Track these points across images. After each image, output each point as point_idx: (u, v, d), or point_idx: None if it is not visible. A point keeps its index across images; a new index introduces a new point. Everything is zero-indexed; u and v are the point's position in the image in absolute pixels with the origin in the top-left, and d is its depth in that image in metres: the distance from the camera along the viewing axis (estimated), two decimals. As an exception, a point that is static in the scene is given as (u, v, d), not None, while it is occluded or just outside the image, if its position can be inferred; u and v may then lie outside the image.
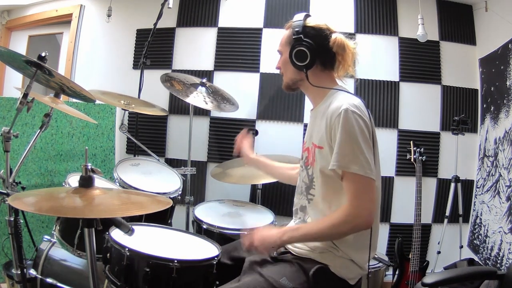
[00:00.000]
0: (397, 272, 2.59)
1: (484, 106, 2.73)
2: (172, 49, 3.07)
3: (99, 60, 3.22)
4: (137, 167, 2.29)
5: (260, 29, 2.96)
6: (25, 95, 1.62)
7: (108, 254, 1.37)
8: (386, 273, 2.52)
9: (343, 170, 1.28)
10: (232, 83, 2.93)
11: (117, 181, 2.08)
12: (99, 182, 1.98)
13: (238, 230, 1.97)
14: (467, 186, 2.79)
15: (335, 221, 1.29)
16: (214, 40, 3.01)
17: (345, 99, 1.34)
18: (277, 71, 1.55)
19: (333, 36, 1.41)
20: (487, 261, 2.45)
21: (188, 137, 2.65)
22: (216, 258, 1.37)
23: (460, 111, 2.81)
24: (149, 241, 1.49)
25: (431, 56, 2.85)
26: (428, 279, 1.42)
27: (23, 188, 1.93)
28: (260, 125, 2.93)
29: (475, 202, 2.77)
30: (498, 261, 2.32)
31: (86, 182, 1.23)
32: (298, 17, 1.44)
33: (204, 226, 2.00)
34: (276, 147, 2.79)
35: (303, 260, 1.34)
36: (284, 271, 1.30)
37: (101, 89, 2.43)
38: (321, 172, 1.37)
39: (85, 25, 3.28)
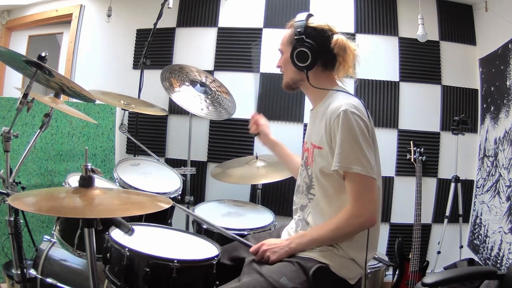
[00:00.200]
0: (397, 272, 2.59)
1: (484, 106, 2.73)
2: (172, 49, 3.07)
3: (99, 60, 3.22)
4: (137, 167, 2.29)
5: (260, 29, 2.96)
6: (25, 95, 1.62)
7: (108, 254, 1.37)
8: (386, 273, 2.52)
9: (345, 171, 1.29)
10: (232, 83, 2.93)
11: (117, 181, 2.08)
12: (99, 182, 1.98)
13: (238, 230, 1.97)
14: (467, 186, 2.79)
15: (339, 223, 1.31)
16: (214, 40, 3.01)
17: (344, 99, 1.34)
18: (277, 72, 1.56)
19: (335, 37, 1.41)
20: (487, 261, 2.45)
21: (188, 137, 2.65)
22: (216, 258, 1.37)
23: (460, 111, 2.81)
24: (149, 241, 1.49)
25: (431, 56, 2.85)
26: (428, 279, 1.42)
27: (23, 188, 1.93)
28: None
29: (475, 202, 2.77)
30: (498, 261, 2.32)
31: (86, 182, 1.23)
32: (301, 16, 1.44)
33: (204, 226, 2.00)
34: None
35: (303, 259, 1.34)
36: (284, 271, 1.30)
37: (101, 89, 2.43)
38: (320, 172, 1.37)
39: (85, 25, 3.28)
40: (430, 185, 2.83)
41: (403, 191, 2.84)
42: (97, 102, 2.38)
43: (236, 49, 2.99)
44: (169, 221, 2.14)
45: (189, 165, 2.64)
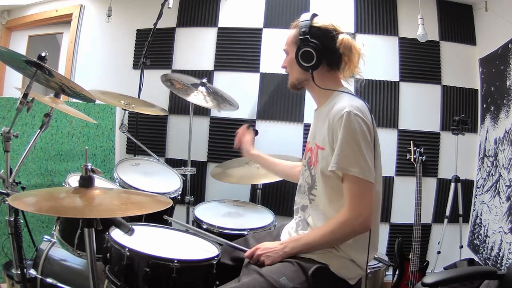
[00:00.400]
0: (397, 272, 2.59)
1: (484, 106, 2.73)
2: (172, 49, 3.07)
3: (99, 60, 3.22)
4: (137, 167, 2.29)
5: (260, 29, 2.96)
6: (25, 95, 1.62)
7: (108, 254, 1.37)
8: (386, 273, 2.52)
9: (343, 172, 1.28)
10: (232, 83, 2.93)
11: (117, 181, 2.08)
12: (99, 182, 1.98)
13: (238, 230, 1.97)
14: (467, 186, 2.79)
15: (334, 227, 1.30)
16: (214, 40, 3.01)
17: (348, 101, 1.34)
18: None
19: (340, 37, 1.41)
20: (487, 261, 2.45)
21: (188, 137, 2.65)
22: (216, 258, 1.37)
23: (460, 111, 2.81)
24: (149, 241, 1.49)
25: (431, 56, 2.85)
26: (428, 279, 1.42)
27: (23, 188, 1.93)
28: (260, 125, 2.93)
29: (475, 202, 2.77)
30: (498, 261, 2.32)
31: (86, 182, 1.23)
32: (305, 16, 1.44)
33: (204, 226, 2.00)
34: (276, 147, 2.78)
35: (303, 259, 1.34)
36: (284, 271, 1.30)
37: (101, 89, 2.43)
38: (322, 173, 1.37)
39: (85, 25, 3.28)
40: (430, 185, 2.83)
41: (403, 191, 2.83)
42: (97, 102, 2.38)
43: (236, 49, 2.98)
44: (169, 221, 2.14)
45: (189, 165, 2.64)
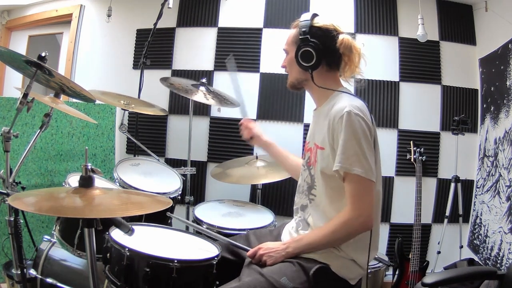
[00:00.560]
0: (397, 272, 2.59)
1: (484, 106, 2.73)
2: (172, 49, 3.07)
3: (99, 60, 3.22)
4: (137, 167, 2.29)
5: (260, 29, 2.96)
6: (25, 95, 1.62)
7: (108, 254, 1.37)
8: (386, 273, 2.52)
9: (345, 172, 1.29)
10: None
11: (117, 181, 2.08)
12: (99, 182, 1.98)
13: (238, 230, 1.97)
14: (467, 186, 2.79)
15: (336, 227, 1.31)
16: (214, 40, 3.01)
17: (348, 101, 1.34)
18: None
19: (340, 37, 1.41)
20: (487, 261, 2.45)
21: (188, 137, 2.65)
22: (216, 258, 1.37)
23: (460, 111, 2.81)
24: (149, 241, 1.49)
25: (431, 56, 2.85)
26: (428, 279, 1.42)
27: (23, 188, 1.93)
28: (260, 125, 2.91)
29: (475, 202, 2.77)
30: (498, 261, 2.32)
31: (86, 182, 1.23)
32: (306, 16, 1.44)
33: (204, 226, 2.00)
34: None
35: (304, 259, 1.34)
36: (285, 271, 1.30)
37: (101, 89, 2.43)
38: (322, 172, 1.37)
39: (85, 25, 3.28)
40: (430, 185, 2.83)
41: (403, 191, 2.83)
42: (97, 102, 2.38)
43: (236, 49, 2.98)
44: (169, 221, 2.14)
45: (189, 165, 2.64)
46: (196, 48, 3.04)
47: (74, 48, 3.25)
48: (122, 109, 2.47)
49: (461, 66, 2.86)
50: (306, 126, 2.86)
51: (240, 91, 1.97)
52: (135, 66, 3.10)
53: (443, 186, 2.83)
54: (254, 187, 2.87)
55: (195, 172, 2.68)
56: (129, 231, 1.24)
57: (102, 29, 3.22)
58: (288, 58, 1.50)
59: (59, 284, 1.80)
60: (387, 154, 2.81)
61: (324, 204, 1.38)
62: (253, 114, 2.92)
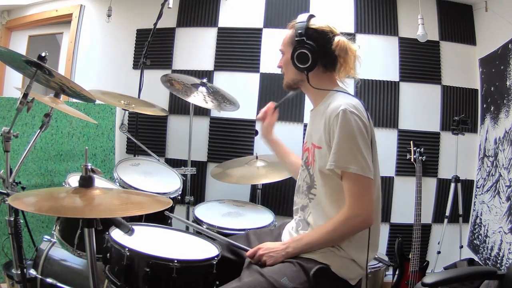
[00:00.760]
0: (397, 272, 2.59)
1: (484, 106, 2.73)
2: (172, 49, 3.07)
3: (99, 60, 3.22)
4: (137, 167, 2.29)
5: (260, 29, 2.96)
6: (25, 95, 1.62)
7: (108, 254, 1.37)
8: (386, 273, 2.52)
9: (342, 170, 1.29)
10: (232, 83, 2.93)
11: (117, 181, 2.08)
12: (99, 182, 1.98)
13: (238, 230, 1.97)
14: (467, 186, 2.79)
15: (335, 225, 1.31)
16: (214, 40, 3.01)
17: (344, 99, 1.34)
18: (277, 72, 1.56)
19: (336, 39, 1.41)
20: (487, 261, 2.45)
21: (188, 137, 2.65)
22: (216, 258, 1.37)
23: (460, 111, 2.81)
24: (149, 241, 1.49)
25: (431, 56, 2.85)
26: (428, 279, 1.42)
27: (23, 188, 1.93)
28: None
29: (475, 202, 2.77)
30: (498, 261, 2.32)
31: (86, 182, 1.23)
32: (302, 18, 1.44)
33: (204, 226, 2.00)
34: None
35: (304, 260, 1.34)
36: (285, 271, 1.30)
37: (101, 89, 2.43)
38: (320, 171, 1.37)
39: (85, 25, 3.28)
40: (430, 185, 2.83)
41: (403, 191, 2.83)
42: (97, 102, 2.38)
43: (236, 49, 2.98)
44: (169, 221, 2.14)
45: (189, 165, 2.64)
46: (196, 48, 3.04)
47: (74, 48, 3.25)
48: (122, 109, 2.47)
49: (461, 66, 2.86)
50: (306, 126, 2.85)
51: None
52: (135, 66, 3.10)
53: (443, 186, 2.83)
54: (254, 187, 2.87)
55: (195, 172, 2.68)
56: (129, 231, 1.24)
57: (102, 29, 3.22)
58: (284, 59, 1.50)
59: (59, 284, 1.80)
60: (387, 154, 2.82)
61: (324, 202, 1.38)
62: (253, 114, 2.92)
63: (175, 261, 1.28)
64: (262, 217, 2.19)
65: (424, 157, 2.71)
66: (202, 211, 2.17)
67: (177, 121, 3.05)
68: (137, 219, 1.78)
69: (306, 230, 1.43)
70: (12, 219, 1.70)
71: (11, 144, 1.72)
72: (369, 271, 2.07)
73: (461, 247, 2.69)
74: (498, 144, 2.47)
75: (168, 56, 3.06)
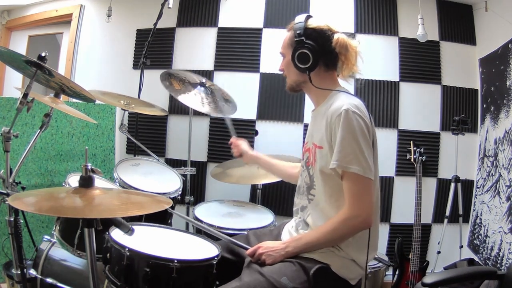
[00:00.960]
0: (397, 272, 2.59)
1: (484, 106, 2.73)
2: (172, 49, 3.07)
3: (99, 60, 3.22)
4: (137, 167, 2.29)
5: (260, 29, 2.96)
6: (25, 95, 1.62)
7: (108, 254, 1.37)
8: (386, 273, 2.52)
9: (343, 170, 1.29)
10: (232, 83, 2.93)
11: (117, 181, 2.08)
12: (99, 182, 1.98)
13: (238, 230, 1.97)
14: (467, 186, 2.79)
15: (335, 225, 1.31)
16: (214, 40, 3.01)
17: (346, 99, 1.34)
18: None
19: (335, 36, 1.41)
20: (487, 261, 2.45)
21: (188, 137, 2.65)
22: (216, 258, 1.37)
23: (460, 111, 2.81)
24: (149, 241, 1.49)
25: (431, 56, 2.85)
26: (428, 279, 1.42)
27: (23, 188, 1.93)
28: (260, 125, 2.93)
29: (475, 202, 2.77)
30: (498, 261, 2.32)
31: (86, 182, 1.23)
32: (299, 18, 1.44)
33: (204, 226, 2.00)
34: (276, 147, 2.79)
35: (304, 259, 1.34)
36: (285, 271, 1.30)
37: (101, 89, 2.43)
38: (321, 172, 1.37)
39: (85, 25, 3.28)
40: (430, 185, 2.83)
41: (403, 191, 2.83)
42: (97, 102, 2.38)
43: (236, 49, 2.98)
44: (169, 221, 2.14)
45: (189, 165, 2.64)
46: (196, 48, 3.04)
47: (74, 48, 3.25)
48: (122, 109, 2.47)
49: (461, 66, 2.86)
50: (306, 126, 2.85)
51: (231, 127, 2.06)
52: (135, 66, 3.10)
53: (443, 186, 2.83)
54: (254, 187, 2.87)
55: (195, 172, 2.68)
56: (129, 231, 1.24)
57: (102, 29, 3.22)
58: (285, 61, 1.50)
59: (59, 284, 1.80)
60: (387, 154, 2.82)
61: (323, 203, 1.38)
62: (253, 114, 2.92)
63: (175, 261, 1.28)
64: (262, 217, 2.19)
65: (424, 157, 2.71)
66: (202, 211, 2.17)
67: (177, 121, 3.05)
68: (137, 219, 1.77)
69: (306, 230, 1.43)
70: (12, 219, 1.70)
71: (11, 144, 1.72)
72: (369, 271, 2.09)
73: (461, 247, 2.69)
74: (498, 144, 2.47)
75: (168, 56, 3.06)
